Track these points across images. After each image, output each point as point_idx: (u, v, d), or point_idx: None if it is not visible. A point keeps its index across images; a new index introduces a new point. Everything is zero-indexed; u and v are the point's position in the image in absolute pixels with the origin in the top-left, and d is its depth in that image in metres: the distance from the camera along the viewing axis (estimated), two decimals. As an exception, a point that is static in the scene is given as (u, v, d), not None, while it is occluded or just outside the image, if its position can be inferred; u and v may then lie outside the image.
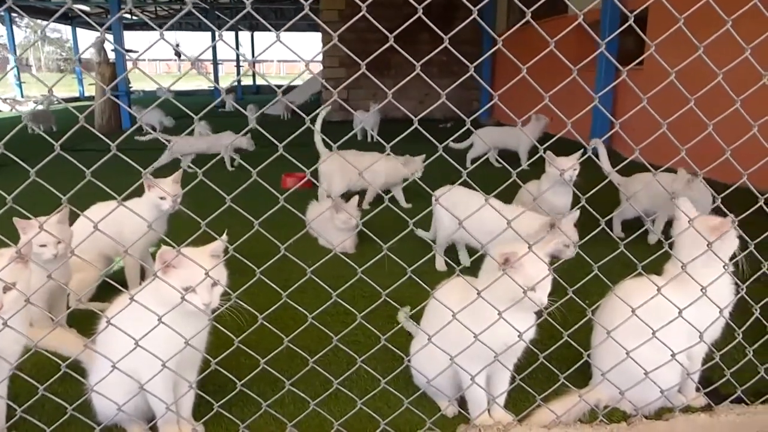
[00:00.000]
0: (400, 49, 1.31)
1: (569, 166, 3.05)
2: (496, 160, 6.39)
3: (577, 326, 1.65)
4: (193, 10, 1.13)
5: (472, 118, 1.40)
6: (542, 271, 1.52)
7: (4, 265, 1.35)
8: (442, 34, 1.22)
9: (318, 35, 13.14)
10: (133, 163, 1.32)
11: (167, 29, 1.28)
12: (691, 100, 1.49)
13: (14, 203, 1.17)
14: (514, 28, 1.49)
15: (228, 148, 6.18)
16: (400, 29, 1.28)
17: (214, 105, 1.41)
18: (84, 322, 1.98)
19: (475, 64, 1.28)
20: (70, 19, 19.42)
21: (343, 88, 1.33)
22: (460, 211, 1.81)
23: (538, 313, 1.61)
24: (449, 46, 1.28)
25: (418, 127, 1.36)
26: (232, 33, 20.15)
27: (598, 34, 7.16)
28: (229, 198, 1.29)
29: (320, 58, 11.61)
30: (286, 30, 1.32)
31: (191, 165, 5.92)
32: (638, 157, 1.51)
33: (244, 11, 1.19)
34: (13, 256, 1.33)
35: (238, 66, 21.35)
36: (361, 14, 1.21)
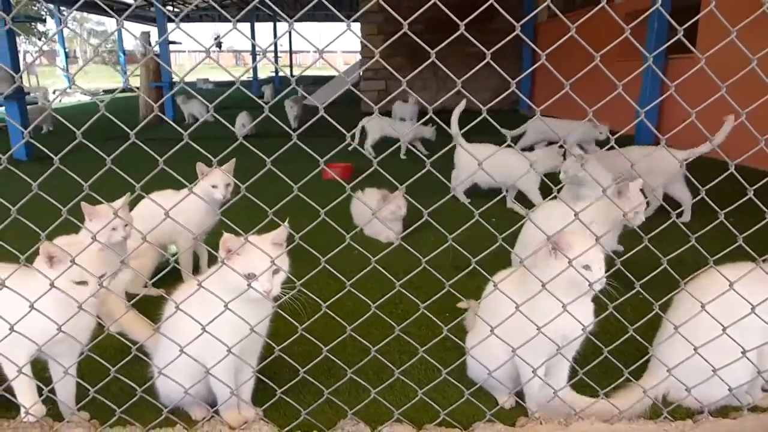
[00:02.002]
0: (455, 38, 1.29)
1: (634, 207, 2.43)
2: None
3: (644, 320, 1.61)
4: (268, 0, 1.13)
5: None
6: (596, 249, 1.51)
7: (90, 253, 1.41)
8: (457, 21, 1.20)
9: (356, 25, 13.13)
10: (201, 150, 1.34)
11: (213, 21, 1.29)
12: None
13: (64, 192, 1.20)
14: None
15: (407, 136, 6.42)
16: (472, 16, 1.26)
17: (255, 96, 1.41)
18: (141, 308, 2.04)
19: (491, 51, 1.26)
20: (115, 12, 19.88)
21: (382, 79, 1.31)
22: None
23: (600, 306, 1.57)
24: (466, 34, 1.25)
25: (435, 119, 1.34)
26: (269, 24, 20.28)
27: (642, 23, 7.01)
28: (297, 187, 1.30)
29: (332, 48, 11.62)
30: (324, 21, 1.31)
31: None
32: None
33: (314, 1, 1.18)
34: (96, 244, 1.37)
35: (276, 56, 21.56)
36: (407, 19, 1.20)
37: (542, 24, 10.90)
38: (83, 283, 1.46)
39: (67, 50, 19.23)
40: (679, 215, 3.80)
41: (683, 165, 3.38)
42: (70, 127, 1.23)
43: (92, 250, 1.43)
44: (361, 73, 12.88)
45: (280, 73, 21.50)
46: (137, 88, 9.28)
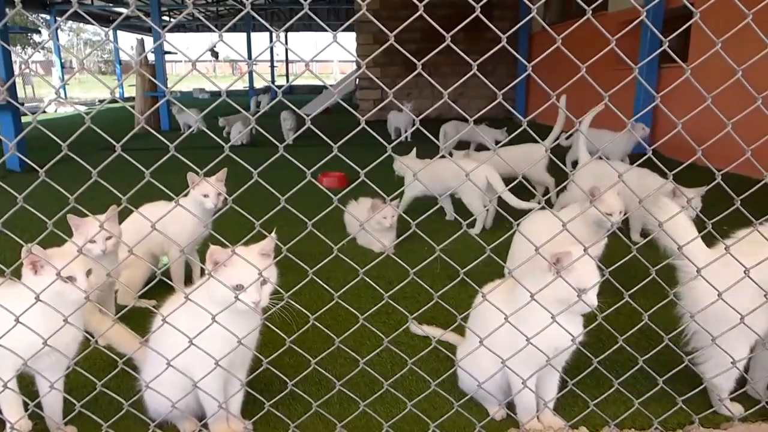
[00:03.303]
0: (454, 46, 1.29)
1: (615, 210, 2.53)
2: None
3: (632, 331, 1.61)
4: (253, 13, 1.14)
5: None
6: (594, 274, 1.49)
7: (68, 262, 1.40)
8: (444, 33, 1.20)
9: (350, 35, 13.17)
10: (185, 161, 1.34)
11: (207, 31, 1.29)
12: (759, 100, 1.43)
13: (51, 203, 1.19)
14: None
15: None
16: (458, 28, 1.26)
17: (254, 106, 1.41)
18: (132, 319, 2.02)
19: (478, 62, 1.25)
20: (110, 21, 19.96)
21: (378, 88, 1.31)
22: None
23: (588, 318, 1.57)
24: (451, 46, 1.25)
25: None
26: (265, 34, 20.31)
27: (636, 32, 7.03)
28: (284, 199, 1.30)
29: (320, 57, 11.65)
30: (318, 30, 1.31)
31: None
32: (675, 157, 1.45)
33: (302, 12, 1.18)
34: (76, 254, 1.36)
35: (272, 66, 21.62)
36: (409, 21, 1.20)
37: (537, 34, 10.97)
38: (72, 278, 1.46)
39: (63, 60, 19.26)
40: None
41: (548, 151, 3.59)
42: (55, 138, 1.22)
43: (75, 253, 1.42)
44: (357, 83, 12.93)
45: (263, 84, 21.43)
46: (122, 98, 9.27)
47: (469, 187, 3.72)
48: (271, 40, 22.03)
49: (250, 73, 18.11)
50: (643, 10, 1.26)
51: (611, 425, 1.67)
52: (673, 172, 1.47)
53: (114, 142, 1.20)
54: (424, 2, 1.19)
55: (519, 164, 4.10)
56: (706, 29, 1.30)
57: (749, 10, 1.28)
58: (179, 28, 23.54)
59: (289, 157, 1.28)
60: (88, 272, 1.50)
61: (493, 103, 1.32)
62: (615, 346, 1.56)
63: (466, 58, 1.24)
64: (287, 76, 24.49)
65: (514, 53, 1.30)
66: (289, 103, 1.34)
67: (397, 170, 4.28)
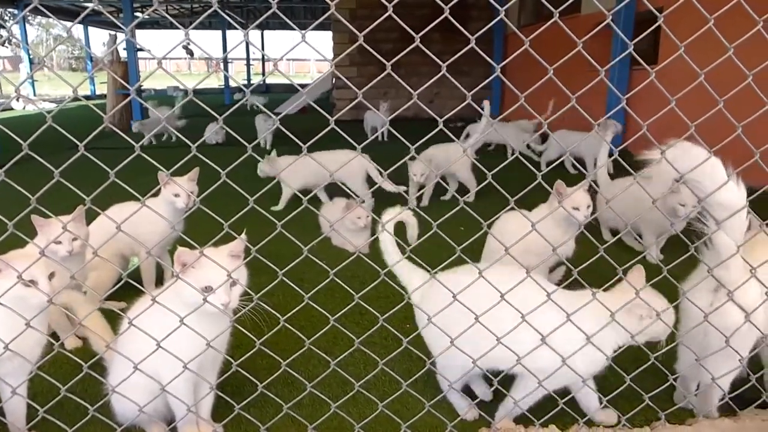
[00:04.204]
0: (424, 48, 1.29)
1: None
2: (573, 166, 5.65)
3: (599, 330, 1.63)
4: (219, 10, 1.12)
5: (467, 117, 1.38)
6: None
7: (29, 265, 1.36)
8: (413, 33, 1.21)
9: (327, 34, 13.13)
10: (151, 160, 1.32)
11: (182, 28, 1.27)
12: (720, 101, 1.46)
13: (23, 203, 1.17)
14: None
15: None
16: (426, 29, 1.26)
17: (235, 104, 1.39)
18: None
19: (446, 63, 1.25)
20: (85, 18, 19.53)
21: (354, 88, 1.30)
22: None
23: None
24: (421, 46, 1.25)
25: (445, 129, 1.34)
26: (240, 33, 20.07)
27: (609, 34, 7.14)
28: (252, 199, 1.29)
29: (298, 56, 11.63)
30: (293, 29, 1.30)
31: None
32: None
33: (270, 11, 1.18)
34: (38, 256, 1.33)
35: (248, 64, 21.43)
36: (384, 16, 1.20)
37: (512, 34, 11.07)
38: (33, 282, 1.43)
39: (31, 56, 18.78)
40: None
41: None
42: (15, 138, 1.19)
43: (36, 256, 1.38)
44: (333, 82, 12.88)
45: (233, 84, 20.91)
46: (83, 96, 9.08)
47: (352, 176, 4.28)
48: (247, 38, 21.75)
49: (225, 71, 17.91)
50: (608, 14, 1.28)
51: (581, 423, 1.70)
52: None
53: (77, 142, 1.17)
54: (393, 2, 1.19)
55: (442, 163, 4.55)
56: (670, 33, 1.33)
57: (712, 15, 1.31)
58: (153, 25, 23.17)
59: (257, 157, 1.27)
60: (51, 275, 1.46)
61: (463, 104, 1.33)
62: (583, 345, 1.58)
63: (435, 59, 1.24)
64: (264, 74, 24.29)
65: (483, 54, 1.31)
66: (268, 112, 1.32)
67: (265, 172, 4.41)
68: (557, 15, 1.25)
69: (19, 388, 1.51)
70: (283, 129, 1.35)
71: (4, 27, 18.93)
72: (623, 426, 1.67)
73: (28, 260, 1.38)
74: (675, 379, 1.75)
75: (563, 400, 1.67)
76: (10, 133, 1.23)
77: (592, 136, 5.34)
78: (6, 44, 25.29)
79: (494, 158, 6.70)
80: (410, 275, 1.80)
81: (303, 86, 14.58)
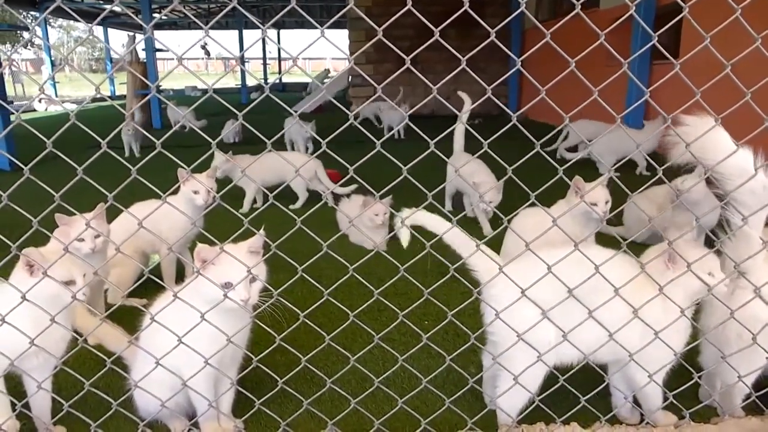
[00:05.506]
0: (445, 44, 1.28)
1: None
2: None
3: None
4: (238, 6, 1.13)
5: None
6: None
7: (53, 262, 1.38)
8: (432, 27, 1.20)
9: (342, 33, 13.14)
10: (173, 158, 1.33)
11: (198, 28, 1.28)
12: (749, 93, 1.42)
13: (43, 201, 1.18)
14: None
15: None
16: (446, 23, 1.25)
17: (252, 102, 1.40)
18: (122, 318, 2.01)
19: (467, 57, 1.24)
20: (104, 19, 19.79)
21: (371, 86, 1.30)
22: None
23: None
24: (440, 40, 1.24)
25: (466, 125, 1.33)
26: (258, 32, 20.16)
27: (627, 29, 7.04)
28: (272, 196, 1.29)
29: (313, 55, 11.60)
30: (310, 28, 1.30)
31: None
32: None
33: (289, 7, 1.18)
34: (63, 253, 1.35)
35: (264, 64, 21.52)
36: (400, 14, 1.19)
37: (530, 30, 10.97)
38: (71, 282, 1.47)
39: (53, 58, 19.08)
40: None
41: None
42: (40, 136, 1.20)
43: (70, 255, 1.41)
44: (349, 80, 12.89)
45: (252, 81, 21.07)
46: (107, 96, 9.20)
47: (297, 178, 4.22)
48: (263, 37, 21.88)
49: (243, 71, 18.02)
50: (632, 5, 1.26)
51: (602, 420, 1.67)
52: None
53: (100, 140, 1.18)
54: (412, -3, 1.18)
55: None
56: (696, 24, 1.30)
57: (739, 5, 1.28)
58: (171, 25, 23.37)
59: (277, 154, 1.28)
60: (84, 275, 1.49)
61: (482, 99, 1.32)
62: (606, 342, 1.56)
63: (456, 53, 1.23)
64: (280, 73, 24.39)
65: (504, 48, 1.29)
66: (280, 101, 1.33)
67: (223, 171, 4.39)
68: (579, 7, 1.23)
69: (44, 383, 1.54)
70: (301, 124, 1.35)
71: (27, 29, 19.25)
72: (646, 424, 1.64)
73: (63, 259, 1.40)
74: (700, 377, 1.72)
75: (585, 398, 1.65)
76: (35, 132, 1.25)
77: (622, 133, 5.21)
78: (29, 46, 25.73)
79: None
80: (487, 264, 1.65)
81: (317, 84, 14.56)
